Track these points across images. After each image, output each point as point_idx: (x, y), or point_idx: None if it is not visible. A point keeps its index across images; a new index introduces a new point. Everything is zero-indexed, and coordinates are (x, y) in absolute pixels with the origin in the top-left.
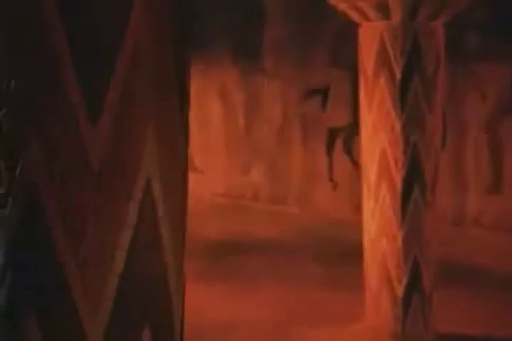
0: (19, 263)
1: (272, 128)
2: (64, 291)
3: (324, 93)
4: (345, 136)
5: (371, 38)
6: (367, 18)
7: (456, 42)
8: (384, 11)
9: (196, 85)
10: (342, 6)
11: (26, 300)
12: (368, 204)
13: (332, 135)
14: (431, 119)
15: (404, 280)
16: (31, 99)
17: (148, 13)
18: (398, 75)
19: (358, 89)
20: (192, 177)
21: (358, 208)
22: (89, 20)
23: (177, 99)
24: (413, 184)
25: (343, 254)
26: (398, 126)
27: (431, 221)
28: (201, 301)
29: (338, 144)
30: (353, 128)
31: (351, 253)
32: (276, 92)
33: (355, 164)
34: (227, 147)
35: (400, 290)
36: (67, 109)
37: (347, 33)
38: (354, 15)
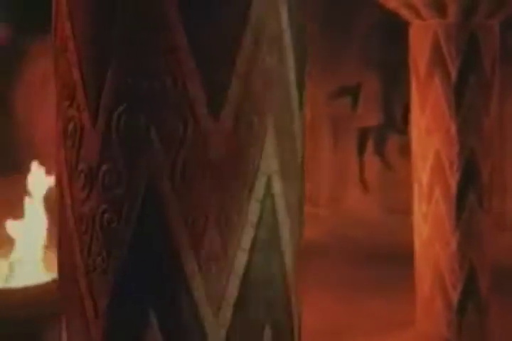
0: (138, 264)
1: None
2: (185, 292)
3: (354, 93)
4: (377, 137)
5: (424, 37)
6: (420, 17)
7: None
8: (439, 9)
9: None
10: (393, 4)
11: (147, 301)
12: (419, 208)
13: (363, 135)
14: (487, 121)
15: (459, 286)
16: (151, 95)
17: (268, 7)
18: (453, 76)
19: (388, 89)
20: None
21: (389, 209)
22: (209, 15)
23: (296, 96)
24: (468, 188)
25: (375, 256)
26: (453, 128)
27: (487, 226)
28: None
29: (370, 145)
30: (385, 129)
31: (384, 255)
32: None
33: (387, 165)
34: None
35: (454, 296)
36: (188, 104)
37: (377, 32)
38: (406, 14)
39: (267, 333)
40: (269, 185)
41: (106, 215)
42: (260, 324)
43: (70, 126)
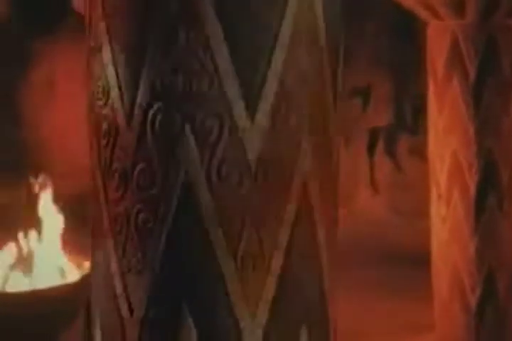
0: (174, 264)
1: None
2: (221, 292)
3: (365, 93)
4: (387, 137)
5: (442, 38)
6: (437, 17)
7: None
8: (458, 9)
9: None
10: (409, 3)
11: (182, 302)
12: (437, 210)
13: (373, 136)
14: (506, 122)
15: (478, 289)
16: (187, 94)
17: (304, 6)
18: (472, 76)
19: (399, 89)
20: None
21: (399, 211)
22: (247, 14)
23: (331, 96)
24: (488, 190)
25: (386, 257)
26: (471, 129)
27: (506, 229)
28: None
29: (380, 145)
30: (395, 129)
31: (395, 256)
32: None
33: (397, 166)
34: None
35: (472, 299)
36: (224, 103)
37: (388, 32)
38: (423, 13)
39: (304, 333)
40: (305, 185)
41: (141, 215)
42: (297, 324)
43: (104, 126)
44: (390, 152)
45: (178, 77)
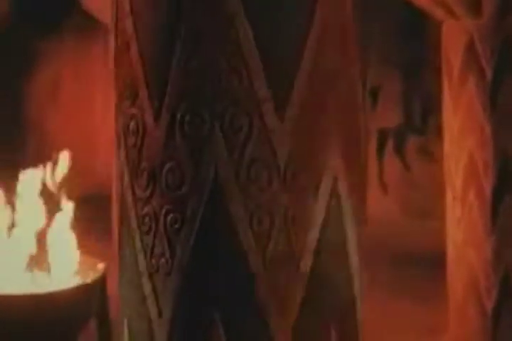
0: (203, 264)
1: None
2: (250, 292)
3: (374, 93)
4: (396, 138)
5: (457, 37)
6: (453, 16)
7: None
8: (474, 8)
9: None
10: (423, 3)
11: (211, 302)
12: (453, 212)
13: (382, 136)
14: None
15: (494, 292)
16: (216, 94)
17: (333, 6)
18: (489, 76)
19: (408, 89)
20: None
21: (408, 211)
22: (276, 15)
23: (359, 97)
24: (504, 191)
25: (397, 258)
26: (488, 129)
27: None
28: None
29: (389, 146)
30: (404, 130)
31: (405, 257)
32: None
33: (406, 166)
34: None
35: (488, 302)
36: (254, 103)
37: (397, 31)
38: (438, 13)
39: (333, 333)
40: (334, 185)
41: (169, 215)
42: (326, 324)
43: (132, 125)
44: (399, 152)
45: (206, 76)
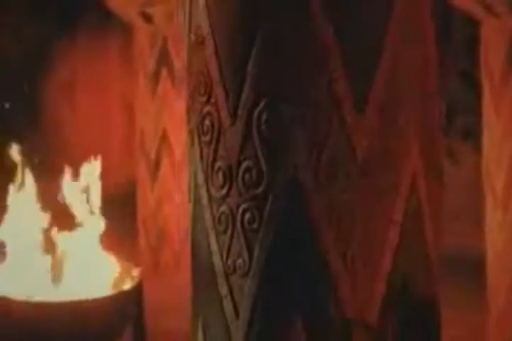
0: (282, 265)
1: None
2: (330, 292)
3: None
4: None
5: (498, 37)
6: (494, 14)
7: None
8: None
9: None
10: (463, 1)
11: (291, 302)
12: (493, 216)
13: None
14: None
15: None
16: (295, 92)
17: (411, 3)
18: None
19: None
20: None
21: None
22: (355, 12)
23: (438, 94)
24: None
25: None
26: None
27: None
28: None
29: None
30: None
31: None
32: None
33: None
34: None
35: None
36: (333, 101)
37: None
38: (477, 11)
39: (414, 333)
40: (414, 185)
41: (247, 215)
42: (407, 324)
43: (206, 123)
44: None
45: (285, 74)
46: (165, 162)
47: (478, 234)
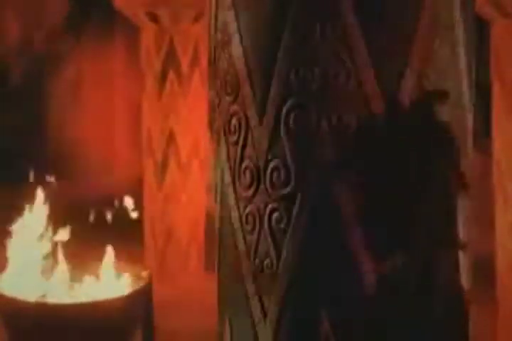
0: (310, 265)
1: None
2: (359, 292)
3: None
4: None
5: (509, 37)
6: (505, 14)
7: None
8: None
9: None
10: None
11: (318, 301)
12: (504, 218)
13: None
14: None
15: None
16: (323, 90)
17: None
18: None
19: None
20: None
21: None
22: (384, 8)
23: (467, 88)
24: None
25: None
26: None
27: None
28: None
29: None
30: None
31: None
32: None
33: None
34: None
35: None
36: (362, 98)
37: None
38: (488, 12)
39: (445, 332)
40: (445, 187)
41: (274, 215)
42: (440, 323)
43: (233, 122)
44: None
45: (313, 71)
46: (172, 162)
47: (487, 236)
